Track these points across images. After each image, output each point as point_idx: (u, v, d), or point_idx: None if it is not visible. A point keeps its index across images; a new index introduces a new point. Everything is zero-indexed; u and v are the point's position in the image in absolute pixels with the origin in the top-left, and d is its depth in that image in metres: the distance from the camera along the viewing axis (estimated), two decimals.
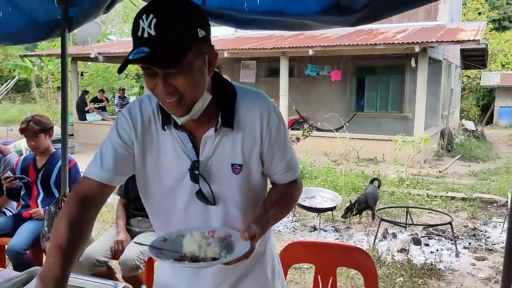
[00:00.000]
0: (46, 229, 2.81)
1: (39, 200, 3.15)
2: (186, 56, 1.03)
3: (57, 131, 3.39)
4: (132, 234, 3.07)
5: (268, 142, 1.24)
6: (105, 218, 5.33)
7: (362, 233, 5.13)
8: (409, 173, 8.07)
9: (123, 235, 2.98)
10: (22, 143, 8.22)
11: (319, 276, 1.96)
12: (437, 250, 4.59)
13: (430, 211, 5.85)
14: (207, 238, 1.11)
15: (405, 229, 5.14)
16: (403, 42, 9.64)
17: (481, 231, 5.30)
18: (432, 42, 9.39)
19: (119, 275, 3.03)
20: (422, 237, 4.91)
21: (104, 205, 1.30)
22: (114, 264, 3.09)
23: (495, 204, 6.53)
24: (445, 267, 4.13)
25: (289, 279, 3.66)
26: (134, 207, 3.12)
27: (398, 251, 4.46)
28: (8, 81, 21.19)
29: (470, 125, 15.88)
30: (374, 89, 12.75)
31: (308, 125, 9.39)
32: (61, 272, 1.07)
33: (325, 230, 5.25)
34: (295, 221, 5.58)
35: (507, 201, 6.39)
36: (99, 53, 12.30)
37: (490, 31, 23.36)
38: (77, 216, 1.15)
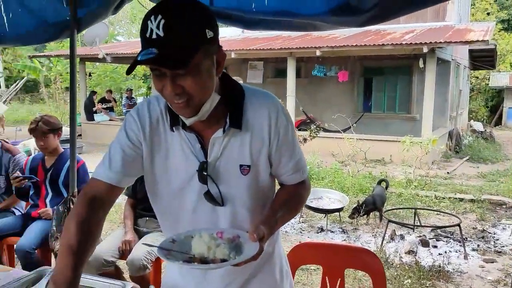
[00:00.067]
0: (54, 228, 2.82)
1: (47, 200, 3.17)
2: (194, 57, 1.03)
3: (65, 131, 3.41)
4: (139, 234, 3.07)
5: (277, 143, 1.23)
6: (113, 218, 5.36)
7: (370, 235, 5.10)
8: (417, 174, 8.02)
9: (130, 235, 2.99)
10: (31, 143, 8.28)
11: (326, 277, 1.95)
12: (446, 252, 4.56)
13: (438, 212, 5.81)
14: (216, 239, 1.11)
15: (413, 231, 5.11)
16: (411, 43, 9.59)
17: (489, 233, 5.25)
18: (440, 42, 9.33)
19: (126, 275, 3.04)
20: (430, 238, 4.88)
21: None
22: (121, 264, 3.10)
23: (504, 206, 6.47)
24: (454, 269, 4.10)
25: (296, 280, 3.65)
26: (141, 208, 3.13)
27: (406, 253, 4.44)
28: (17, 81, 21.37)
29: (478, 126, 15.76)
30: (381, 90, 12.69)
31: (315, 126, 9.37)
32: (73, 273, 1.07)
33: (332, 231, 5.23)
34: (302, 222, 5.57)
35: None
36: (107, 54, 12.37)
37: (499, 31, 23.17)
38: (86, 217, 1.15)
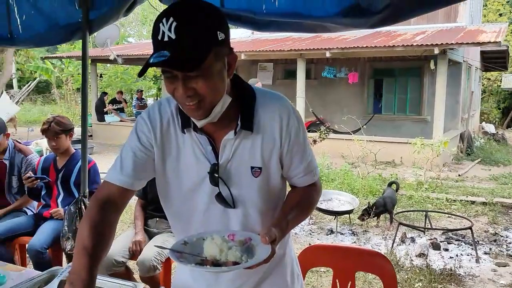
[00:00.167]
0: (66, 228, 2.85)
1: (59, 200, 3.20)
2: (206, 59, 1.03)
3: (77, 131, 3.44)
4: (149, 235, 3.09)
5: (288, 144, 1.23)
6: (123, 219, 5.39)
7: (380, 237, 5.07)
8: (427, 176, 7.96)
9: (141, 235, 3.00)
10: (43, 143, 8.37)
11: (337, 280, 1.94)
12: (457, 255, 4.51)
13: (450, 215, 5.76)
14: (228, 242, 1.11)
15: (424, 234, 5.07)
16: (422, 44, 9.52)
17: (502, 236, 5.19)
18: (452, 44, 9.24)
19: (136, 275, 3.05)
20: (441, 241, 4.83)
21: None
22: (131, 264, 3.12)
23: None
24: (465, 273, 4.06)
25: (306, 282, 3.62)
26: (152, 208, 3.14)
27: (416, 256, 4.40)
28: (30, 82, 21.62)
29: (490, 128, 15.58)
30: (392, 92, 12.62)
31: (324, 127, 9.34)
32: (88, 273, 1.08)
33: (342, 234, 5.21)
34: (312, 223, 5.55)
35: None
36: (118, 55, 12.45)
37: (511, 32, 22.90)
38: (99, 220, 1.16)
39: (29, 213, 3.44)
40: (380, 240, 4.96)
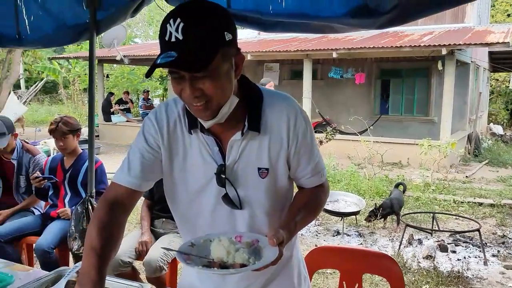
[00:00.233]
0: (73, 228, 2.86)
1: (66, 200, 3.21)
2: (213, 59, 1.03)
3: (84, 132, 3.46)
4: (156, 235, 3.09)
5: (295, 145, 1.22)
6: (129, 219, 5.38)
7: (387, 239, 5.04)
8: (435, 178, 7.91)
9: (147, 236, 3.01)
10: (51, 143, 8.43)
11: (344, 282, 1.93)
12: (465, 257, 4.48)
13: (457, 217, 5.72)
14: (235, 244, 1.11)
15: (431, 235, 5.03)
16: (430, 45, 9.47)
17: (510, 238, 5.14)
18: (460, 44, 9.18)
19: (143, 275, 3.06)
20: (448, 243, 4.80)
21: None
22: (138, 264, 3.12)
23: None
24: (473, 275, 4.02)
25: (312, 284, 3.61)
26: (158, 208, 3.15)
27: (424, 258, 4.37)
28: (37, 82, 21.76)
29: (498, 129, 15.47)
30: (399, 92, 12.56)
31: (331, 128, 9.31)
32: (97, 274, 1.09)
33: (348, 235, 5.19)
34: (318, 225, 5.53)
35: None
36: (124, 56, 12.51)
37: None
38: (108, 221, 1.17)
39: (37, 213, 3.46)
40: (387, 242, 4.93)
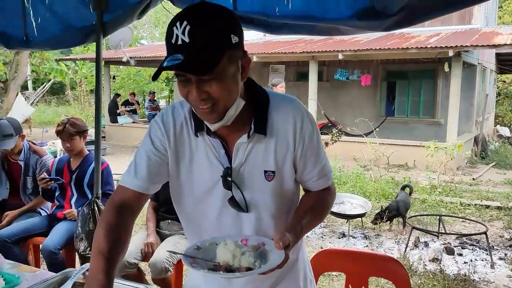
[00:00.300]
0: (79, 229, 2.87)
1: (72, 201, 3.23)
2: (219, 62, 1.03)
3: (92, 133, 3.47)
4: (161, 237, 3.10)
5: (302, 148, 1.22)
6: (135, 220, 5.40)
7: (393, 241, 5.02)
8: (441, 180, 7.87)
9: (153, 237, 3.01)
10: (58, 145, 8.48)
11: (350, 285, 1.92)
12: (471, 260, 4.45)
13: (464, 220, 5.68)
14: (241, 247, 1.11)
15: (438, 238, 5.01)
16: (436, 46, 9.42)
17: None
18: (466, 46, 9.14)
19: (148, 277, 3.06)
20: (455, 246, 4.77)
21: None
22: (143, 266, 3.13)
23: None
24: (480, 279, 3.99)
25: (318, 286, 3.61)
26: (164, 210, 3.15)
27: (430, 261, 4.34)
28: (44, 84, 21.91)
29: (505, 131, 15.35)
30: (405, 94, 12.51)
31: (337, 130, 9.29)
32: (105, 276, 1.09)
33: (354, 237, 5.17)
34: (324, 227, 5.51)
35: None
36: (130, 57, 12.55)
37: None
38: (115, 224, 1.17)
39: (43, 213, 3.48)
40: (393, 244, 4.91)
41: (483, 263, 4.40)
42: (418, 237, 4.92)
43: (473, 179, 8.69)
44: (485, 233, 4.40)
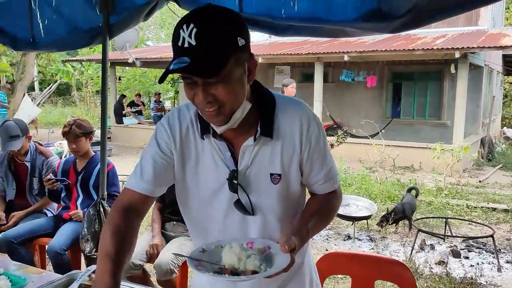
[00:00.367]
0: (85, 230, 2.87)
1: (78, 202, 3.24)
2: (226, 65, 1.02)
3: (97, 133, 3.48)
4: (167, 238, 3.10)
5: (308, 151, 1.22)
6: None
7: (398, 244, 4.99)
8: (447, 182, 7.82)
9: (158, 239, 3.02)
10: (65, 146, 8.52)
11: None
12: (478, 263, 4.41)
13: (470, 222, 5.64)
14: (247, 250, 1.10)
15: (444, 241, 4.97)
16: (443, 48, 9.38)
17: None
18: (473, 48, 9.09)
19: (153, 278, 3.07)
20: (461, 249, 4.74)
21: None
22: (148, 267, 3.13)
23: None
24: (487, 282, 3.96)
25: None
26: (169, 212, 3.16)
27: (436, 263, 4.32)
28: (51, 85, 22.04)
29: None
30: (411, 96, 12.47)
31: (342, 131, 9.26)
32: (112, 279, 1.09)
33: (359, 239, 5.15)
34: (329, 229, 5.50)
35: None
36: (136, 59, 12.60)
37: None
38: (122, 226, 1.17)
39: (49, 214, 3.50)
40: (399, 247, 4.88)
41: (490, 266, 4.37)
42: (424, 239, 4.90)
43: (480, 181, 8.64)
44: (492, 236, 4.37)
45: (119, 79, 19.20)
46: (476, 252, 4.74)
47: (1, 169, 3.53)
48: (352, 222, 5.27)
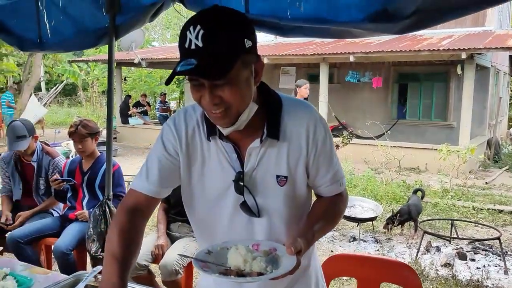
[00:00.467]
0: (91, 230, 2.88)
1: (84, 203, 3.25)
2: (233, 67, 1.02)
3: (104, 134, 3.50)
4: (172, 239, 3.10)
5: (314, 153, 1.21)
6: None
7: (404, 245, 4.97)
8: (453, 184, 7.78)
9: (163, 239, 3.02)
10: (72, 146, 8.56)
11: None
12: (484, 266, 4.38)
13: (476, 224, 5.60)
14: (252, 252, 1.10)
15: (450, 243, 4.94)
16: (449, 49, 9.33)
17: None
18: (480, 48, 9.03)
19: (158, 278, 3.07)
20: (467, 251, 4.71)
21: None
22: (153, 268, 3.13)
23: None
24: (493, 285, 3.93)
25: None
26: (174, 212, 3.16)
27: (442, 266, 4.29)
28: (57, 85, 22.16)
29: None
30: (416, 97, 12.42)
31: (347, 132, 9.24)
32: (119, 280, 1.10)
33: (364, 241, 5.13)
34: (334, 230, 5.48)
35: None
36: (142, 59, 12.63)
37: None
38: (128, 227, 1.17)
39: (55, 214, 3.51)
40: (404, 249, 4.86)
41: (496, 269, 4.34)
42: (430, 241, 4.87)
43: (486, 183, 8.58)
44: (498, 238, 4.34)
45: (125, 79, 19.27)
46: (482, 255, 4.71)
47: (8, 169, 3.55)
48: (357, 223, 5.25)
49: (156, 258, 2.94)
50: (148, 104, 15.77)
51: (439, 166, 8.30)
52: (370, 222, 5.38)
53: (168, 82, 1.08)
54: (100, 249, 2.83)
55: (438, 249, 4.76)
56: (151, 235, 3.18)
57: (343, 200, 1.32)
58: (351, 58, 10.37)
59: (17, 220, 3.34)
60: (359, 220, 5.17)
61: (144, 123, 14.33)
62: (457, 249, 4.71)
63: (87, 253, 2.99)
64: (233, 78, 1.04)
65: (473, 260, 4.54)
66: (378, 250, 4.87)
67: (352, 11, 2.03)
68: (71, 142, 8.68)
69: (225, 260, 1.10)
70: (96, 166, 3.26)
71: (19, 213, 3.38)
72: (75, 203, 3.28)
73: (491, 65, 11.48)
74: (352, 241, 5.13)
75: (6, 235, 3.16)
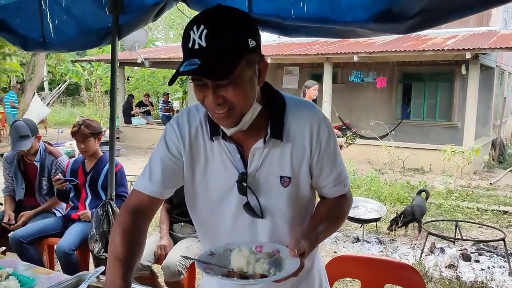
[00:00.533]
0: (94, 230, 2.88)
1: (87, 203, 3.24)
2: (236, 67, 1.01)
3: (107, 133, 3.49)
4: (174, 239, 3.09)
5: (318, 154, 1.20)
6: None
7: (408, 247, 4.95)
8: (457, 184, 7.74)
9: (166, 240, 3.01)
10: (75, 146, 8.58)
11: None
12: (488, 267, 4.36)
13: (481, 225, 5.57)
14: (255, 254, 1.09)
15: (454, 244, 4.92)
16: (454, 49, 9.29)
17: None
18: (484, 48, 8.99)
19: (161, 279, 3.06)
20: (472, 253, 4.68)
21: None
22: (156, 268, 3.13)
23: None
24: (497, 286, 3.91)
25: None
26: (177, 213, 3.15)
27: (446, 267, 4.27)
28: (60, 85, 22.21)
29: None
30: (421, 97, 12.37)
31: (351, 133, 9.22)
32: (123, 282, 1.09)
33: (368, 242, 5.11)
34: (337, 231, 5.46)
35: None
36: (145, 59, 12.65)
37: None
38: (131, 228, 1.17)
39: (58, 214, 3.51)
40: (408, 250, 4.84)
41: (501, 270, 4.31)
42: (434, 242, 4.84)
43: (491, 184, 8.54)
44: (503, 239, 4.31)
45: (128, 79, 19.30)
46: (486, 256, 4.68)
47: (11, 169, 3.55)
48: (361, 224, 5.23)
49: (159, 258, 2.94)
50: (151, 104, 15.79)
51: (443, 166, 8.26)
52: (374, 223, 5.36)
53: (171, 82, 1.07)
54: (103, 249, 2.82)
55: (442, 250, 4.73)
56: (154, 236, 3.17)
57: (347, 201, 1.31)
58: (355, 58, 10.35)
59: (19, 220, 3.34)
60: (362, 221, 5.15)
61: (147, 123, 14.35)
62: (461, 250, 4.69)
63: (90, 253, 2.99)
64: (236, 78, 1.03)
65: (477, 261, 4.52)
66: (381, 251, 4.84)
67: (357, 11, 2.02)
68: (74, 142, 8.70)
69: (228, 262, 1.09)
70: (99, 166, 3.26)
71: (22, 213, 3.38)
72: (77, 203, 3.28)
73: (496, 65, 11.43)
74: (356, 242, 5.11)
75: (9, 235, 3.15)
